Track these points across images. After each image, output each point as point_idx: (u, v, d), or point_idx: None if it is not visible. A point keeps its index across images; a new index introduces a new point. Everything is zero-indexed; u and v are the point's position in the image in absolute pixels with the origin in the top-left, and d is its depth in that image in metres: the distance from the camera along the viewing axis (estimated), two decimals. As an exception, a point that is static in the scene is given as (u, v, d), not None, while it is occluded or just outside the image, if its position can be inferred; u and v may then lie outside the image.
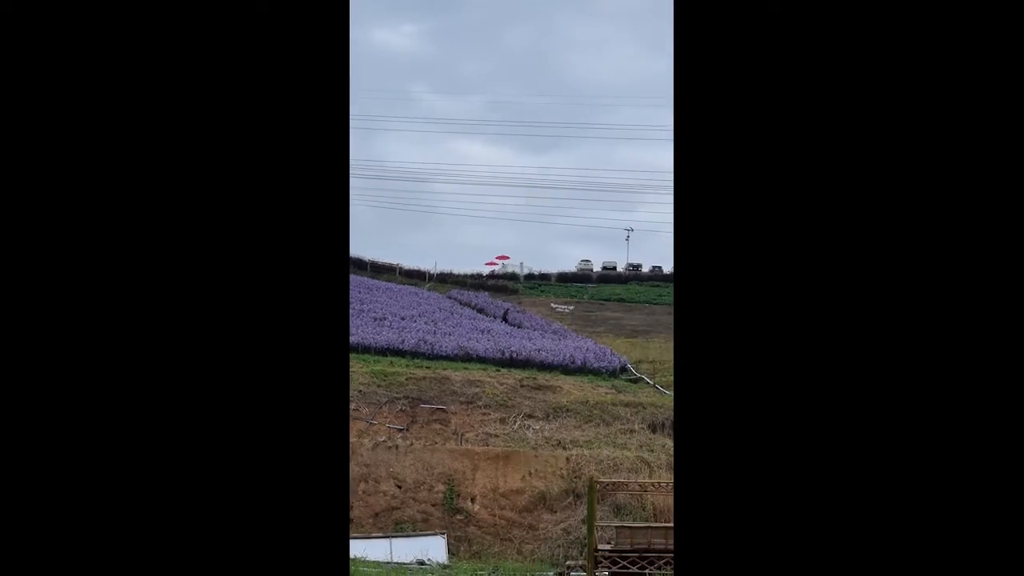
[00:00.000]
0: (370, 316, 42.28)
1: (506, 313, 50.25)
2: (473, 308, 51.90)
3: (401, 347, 37.06)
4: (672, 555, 18.55)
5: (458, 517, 26.33)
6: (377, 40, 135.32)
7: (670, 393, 34.23)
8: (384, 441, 28.85)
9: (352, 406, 26.66)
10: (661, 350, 43.14)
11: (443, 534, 24.95)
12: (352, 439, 26.05)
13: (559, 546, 25.13)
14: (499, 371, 36.00)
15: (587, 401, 32.73)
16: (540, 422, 31.22)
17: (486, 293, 58.04)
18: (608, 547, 19.37)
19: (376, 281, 55.50)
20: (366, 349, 35.90)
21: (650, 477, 25.95)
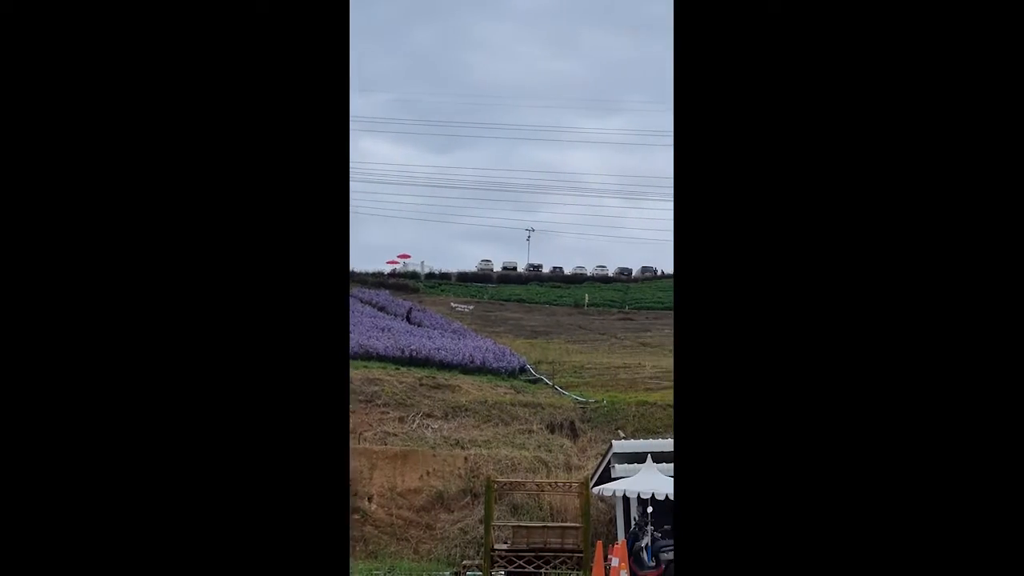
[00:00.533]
0: (268, 312, 41.65)
1: (410, 311, 50.04)
2: (374, 306, 51.59)
3: (300, 344, 36.57)
4: (568, 554, 18.76)
5: (355, 516, 26.15)
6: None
7: (569, 394, 34.53)
8: (280, 439, 28.49)
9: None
10: (560, 351, 43.49)
11: (339, 533, 24.77)
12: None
13: (456, 546, 25.15)
14: (399, 369, 35.86)
15: (486, 401, 32.81)
16: (439, 421, 31.20)
17: (387, 291, 57.78)
18: (505, 546, 19.45)
19: (275, 277, 54.68)
20: (264, 346, 35.36)
21: (547, 477, 26.15)
